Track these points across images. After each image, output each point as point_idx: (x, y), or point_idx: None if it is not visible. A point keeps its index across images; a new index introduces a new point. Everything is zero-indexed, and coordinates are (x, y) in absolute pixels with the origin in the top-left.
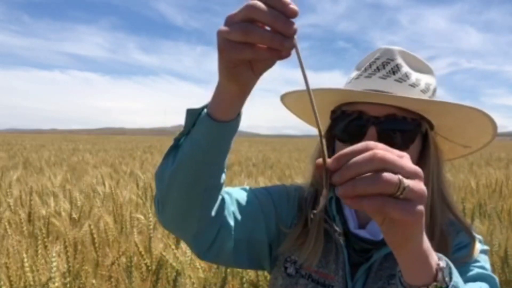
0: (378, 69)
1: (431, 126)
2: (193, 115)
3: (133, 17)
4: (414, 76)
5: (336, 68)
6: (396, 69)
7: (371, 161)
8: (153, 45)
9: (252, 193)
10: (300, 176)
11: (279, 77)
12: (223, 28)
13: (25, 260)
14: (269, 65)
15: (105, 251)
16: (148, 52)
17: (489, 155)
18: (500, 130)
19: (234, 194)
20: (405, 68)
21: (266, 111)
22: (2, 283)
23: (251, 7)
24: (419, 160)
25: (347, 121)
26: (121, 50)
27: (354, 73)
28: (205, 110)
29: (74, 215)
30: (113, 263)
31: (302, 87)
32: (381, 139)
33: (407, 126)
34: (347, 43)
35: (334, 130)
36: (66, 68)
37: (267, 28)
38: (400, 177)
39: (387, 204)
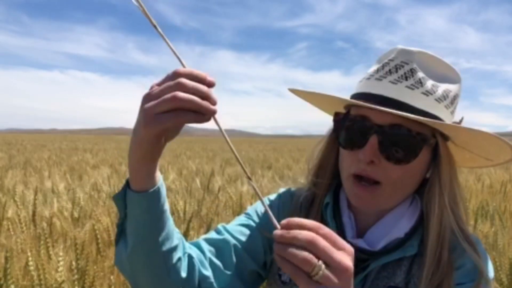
0: (390, 72)
1: (446, 136)
2: (120, 198)
3: (131, 17)
4: (430, 83)
5: (335, 68)
6: (409, 74)
7: (307, 242)
8: (152, 45)
9: (226, 232)
10: (301, 176)
11: (279, 77)
12: (151, 104)
13: (30, 259)
14: (178, 133)
15: (106, 252)
16: (147, 52)
17: None
18: (500, 130)
19: (204, 244)
20: (420, 74)
21: (266, 111)
22: (10, 281)
23: (179, 84)
24: (431, 172)
25: (350, 126)
26: (120, 50)
27: (371, 70)
28: (128, 188)
29: (76, 215)
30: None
31: (302, 88)
32: (382, 150)
33: (410, 140)
34: (346, 43)
35: (337, 135)
36: (66, 68)
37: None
38: (321, 263)
39: (298, 277)
